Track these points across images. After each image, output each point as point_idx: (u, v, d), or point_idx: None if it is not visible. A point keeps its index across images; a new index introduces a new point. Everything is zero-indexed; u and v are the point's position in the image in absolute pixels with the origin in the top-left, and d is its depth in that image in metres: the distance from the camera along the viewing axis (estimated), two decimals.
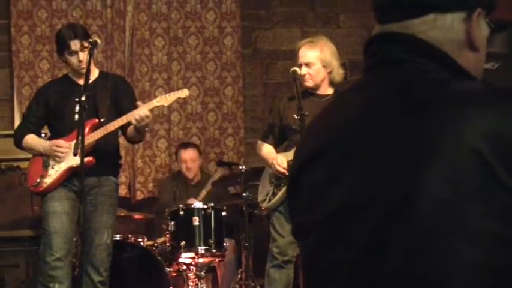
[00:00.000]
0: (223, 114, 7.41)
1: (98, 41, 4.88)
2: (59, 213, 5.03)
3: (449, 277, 1.25)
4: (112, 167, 5.28)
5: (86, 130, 4.92)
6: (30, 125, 5.27)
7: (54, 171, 5.09)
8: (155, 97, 7.17)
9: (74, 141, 4.70)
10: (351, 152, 1.40)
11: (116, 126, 5.04)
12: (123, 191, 7.21)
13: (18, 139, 5.28)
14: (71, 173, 5.03)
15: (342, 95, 1.59)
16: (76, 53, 5.06)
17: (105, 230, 5.08)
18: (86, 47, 5.02)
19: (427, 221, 1.26)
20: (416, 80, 1.39)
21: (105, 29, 7.26)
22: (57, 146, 5.05)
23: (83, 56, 5.04)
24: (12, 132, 6.40)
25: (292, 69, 4.96)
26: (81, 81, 5.00)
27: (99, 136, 5.02)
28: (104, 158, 5.10)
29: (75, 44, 5.05)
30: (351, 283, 1.37)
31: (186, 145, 7.00)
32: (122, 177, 7.20)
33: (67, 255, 5.00)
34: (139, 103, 5.09)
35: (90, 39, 4.89)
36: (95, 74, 5.21)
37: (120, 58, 7.29)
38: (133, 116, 4.91)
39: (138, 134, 5.12)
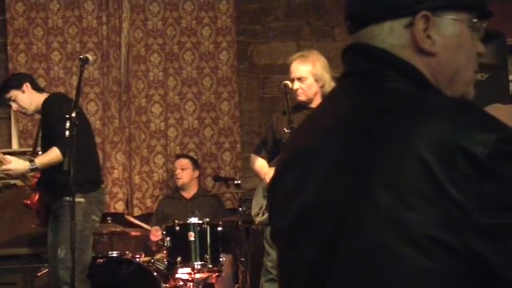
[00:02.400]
0: (219, 129, 7.42)
1: (90, 57, 4.92)
2: (49, 244, 5.50)
3: (396, 284, 1.28)
4: (63, 189, 5.08)
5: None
6: None
7: None
8: (151, 113, 7.26)
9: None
10: (314, 162, 1.44)
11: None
12: (120, 207, 7.22)
13: None
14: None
15: (318, 106, 1.63)
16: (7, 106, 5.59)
17: (58, 247, 5.25)
18: (10, 98, 5.45)
19: (374, 229, 1.30)
20: (374, 91, 1.43)
21: (101, 46, 7.28)
22: None
23: (15, 106, 5.51)
24: (10, 150, 6.47)
25: (283, 83, 4.98)
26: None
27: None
28: (51, 184, 5.37)
29: (1, 105, 5.66)
30: (307, 284, 1.42)
31: (180, 155, 7.12)
32: (120, 194, 7.22)
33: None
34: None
35: (81, 56, 4.92)
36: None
37: (116, 74, 7.30)
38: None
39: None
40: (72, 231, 4.61)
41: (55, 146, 5.09)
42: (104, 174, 7.01)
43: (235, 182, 6.34)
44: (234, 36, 7.44)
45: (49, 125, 5.32)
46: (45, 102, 5.46)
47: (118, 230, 6.37)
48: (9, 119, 7.24)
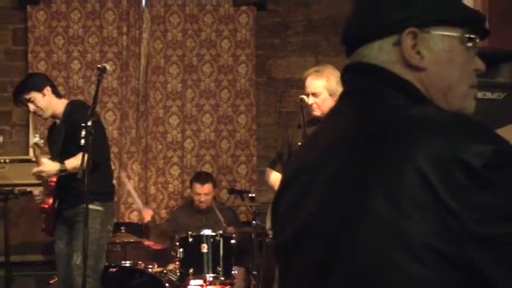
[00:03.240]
0: (236, 142, 7.43)
1: (107, 67, 4.93)
2: (58, 255, 5.54)
3: None
4: (79, 197, 5.01)
5: None
6: None
7: None
8: (169, 124, 7.28)
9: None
10: (315, 178, 1.46)
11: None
12: (135, 217, 7.24)
13: None
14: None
15: (321, 123, 1.64)
16: (26, 106, 5.47)
17: (74, 253, 5.21)
18: (29, 100, 5.39)
19: (372, 240, 1.32)
20: (372, 108, 1.45)
21: (120, 56, 7.32)
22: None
23: (32, 107, 5.44)
24: (26, 157, 6.51)
25: (299, 97, 4.98)
26: (56, 122, 5.59)
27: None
28: (68, 191, 5.35)
29: (18, 104, 5.56)
30: None
31: (202, 181, 6.85)
32: (135, 204, 7.24)
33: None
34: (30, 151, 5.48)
35: (99, 66, 4.93)
36: (61, 112, 5.51)
37: (134, 85, 7.34)
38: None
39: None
40: (85, 238, 4.62)
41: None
42: (120, 184, 7.03)
43: (250, 195, 6.33)
44: (253, 50, 7.47)
45: (76, 131, 5.31)
46: (71, 109, 5.46)
47: (132, 240, 6.38)
48: (28, 126, 7.29)
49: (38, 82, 5.49)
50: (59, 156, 5.32)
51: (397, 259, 1.29)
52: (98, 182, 5.26)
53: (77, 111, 5.33)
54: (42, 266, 6.74)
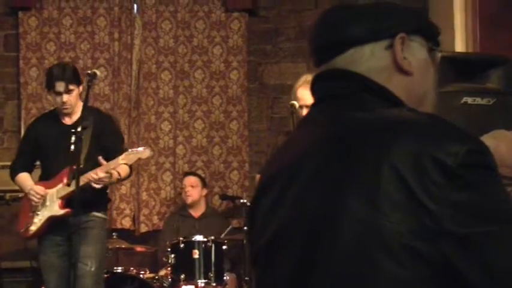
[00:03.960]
0: (228, 148, 7.43)
1: (98, 73, 4.89)
2: (55, 267, 5.13)
3: None
4: (97, 205, 5.21)
5: (65, 178, 5.01)
6: (23, 161, 5.34)
7: (39, 220, 5.12)
8: (161, 130, 7.28)
9: (53, 190, 4.97)
10: (291, 181, 1.47)
11: (82, 183, 4.87)
12: (127, 223, 7.24)
13: (12, 175, 5.35)
14: (54, 222, 5.06)
15: (294, 129, 1.65)
16: (60, 94, 5.07)
17: (88, 260, 5.05)
18: (71, 90, 5.08)
19: (350, 240, 1.33)
20: (351, 113, 1.46)
21: (112, 62, 7.32)
22: (33, 191, 5.09)
23: (67, 98, 5.08)
24: None
25: (290, 103, 4.97)
26: (66, 120, 5.18)
27: (72, 189, 4.89)
28: (83, 198, 4.95)
29: (60, 86, 5.07)
30: None
31: (188, 173, 7.13)
32: (127, 210, 7.24)
33: None
34: (100, 159, 5.00)
35: (89, 72, 4.91)
36: (78, 113, 5.11)
37: (126, 91, 7.34)
38: (89, 177, 4.93)
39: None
40: (76, 247, 4.62)
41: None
42: (112, 190, 7.03)
43: (242, 201, 6.32)
44: (245, 56, 7.47)
45: (114, 136, 5.30)
46: (107, 117, 5.41)
47: (123, 246, 6.38)
48: (19, 132, 7.27)
49: (78, 77, 5.25)
50: (84, 161, 4.99)
51: (374, 258, 1.30)
52: (104, 190, 5.28)
53: (113, 121, 5.39)
54: (33, 272, 6.71)
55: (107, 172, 4.94)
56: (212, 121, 7.44)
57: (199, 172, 7.30)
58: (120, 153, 5.03)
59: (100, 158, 5.00)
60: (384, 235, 1.29)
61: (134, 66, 7.40)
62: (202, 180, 7.07)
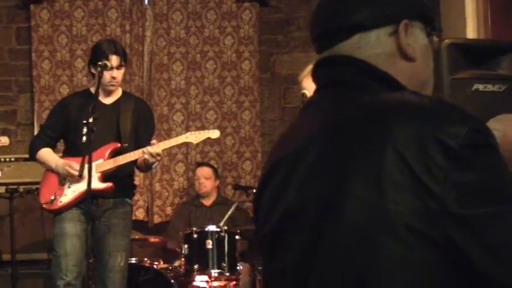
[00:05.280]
0: (240, 138, 7.44)
1: (108, 64, 4.91)
2: (70, 235, 4.96)
3: (375, 272, 1.31)
4: (127, 189, 5.23)
5: (107, 153, 5.00)
6: (47, 137, 5.21)
7: (71, 191, 5.02)
8: (173, 121, 7.29)
9: (94, 163, 4.80)
10: (295, 167, 1.48)
11: (129, 159, 5.00)
12: (141, 214, 7.27)
13: (32, 150, 5.21)
14: (85, 196, 4.90)
15: (297, 116, 1.64)
16: (112, 68, 5.00)
17: (118, 253, 5.01)
18: (122, 66, 5.06)
19: (355, 223, 1.34)
20: (354, 97, 1.46)
21: None
22: (69, 167, 4.97)
23: (117, 73, 5.05)
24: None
25: (301, 92, 4.95)
26: (104, 100, 5.09)
27: (117, 164, 5.00)
28: (119, 180, 5.05)
29: (114, 59, 5.01)
30: (292, 286, 1.45)
31: (202, 164, 7.14)
32: (140, 201, 7.27)
33: (77, 278, 4.94)
34: (154, 141, 5.05)
35: (100, 63, 4.91)
36: (118, 93, 5.21)
37: (138, 83, 7.36)
38: (147, 151, 4.91)
39: (145, 167, 5.15)
40: (88, 237, 4.62)
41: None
42: None
43: (255, 191, 6.33)
44: (256, 46, 7.47)
45: (150, 125, 5.35)
46: (145, 103, 5.49)
47: (137, 237, 6.40)
48: (32, 125, 7.31)
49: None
50: (127, 140, 5.08)
51: (379, 240, 1.30)
52: (132, 176, 5.32)
53: (151, 111, 5.56)
54: (48, 264, 6.71)
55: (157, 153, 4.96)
56: (224, 111, 7.44)
57: (212, 163, 7.32)
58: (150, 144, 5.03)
59: (154, 140, 5.07)
60: (388, 217, 1.30)
61: (146, 58, 7.42)
62: (215, 171, 7.10)
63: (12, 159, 6.70)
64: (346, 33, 1.52)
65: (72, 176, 4.99)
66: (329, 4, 1.58)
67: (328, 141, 1.43)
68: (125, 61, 5.12)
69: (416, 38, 1.52)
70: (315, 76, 1.58)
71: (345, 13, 1.54)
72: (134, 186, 5.47)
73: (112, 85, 5.10)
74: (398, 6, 1.52)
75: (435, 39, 1.57)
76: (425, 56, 1.54)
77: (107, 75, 5.01)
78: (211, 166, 7.13)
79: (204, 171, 6.98)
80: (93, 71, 5.11)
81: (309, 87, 5.02)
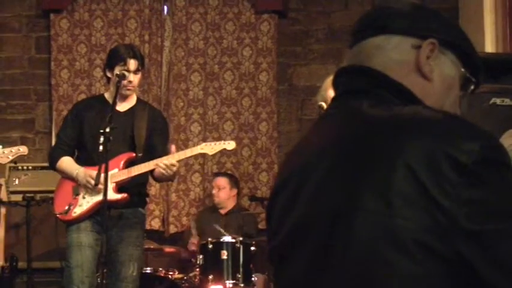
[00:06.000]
0: (257, 149, 7.44)
1: (126, 74, 4.92)
2: (83, 245, 4.95)
3: (383, 286, 1.31)
4: (140, 198, 5.21)
5: (122, 163, 4.98)
6: (66, 146, 5.16)
7: (86, 202, 5.00)
8: (190, 131, 7.30)
9: (109, 173, 4.72)
10: (307, 179, 1.48)
11: (144, 170, 4.99)
12: (156, 224, 7.28)
13: (53, 160, 5.16)
14: (100, 207, 4.83)
15: (312, 126, 1.64)
16: (129, 72, 4.98)
17: (130, 263, 4.99)
18: (139, 71, 5.04)
19: (363, 236, 1.33)
20: (363, 108, 1.46)
21: None
22: (90, 177, 4.91)
23: (134, 78, 5.02)
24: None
25: (318, 103, 4.94)
26: (118, 107, 5.03)
27: (132, 175, 4.98)
28: (132, 190, 5.04)
29: (132, 63, 4.99)
30: None
31: (217, 173, 7.16)
32: (156, 211, 7.28)
33: None
34: (172, 147, 5.09)
35: (117, 72, 4.92)
36: (132, 100, 5.19)
37: (156, 92, 7.39)
38: (161, 163, 4.89)
39: (164, 178, 5.15)
40: (103, 245, 4.62)
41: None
42: None
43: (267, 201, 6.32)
44: (274, 58, 7.48)
45: (164, 135, 5.32)
46: (159, 112, 5.49)
47: (152, 246, 6.42)
48: (50, 134, 7.35)
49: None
50: (141, 149, 5.06)
51: (387, 255, 1.30)
52: (145, 185, 5.31)
53: (165, 120, 5.57)
54: (63, 273, 6.76)
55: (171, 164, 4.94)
56: (241, 122, 7.45)
57: None
58: (165, 154, 5.03)
59: (173, 146, 5.10)
60: (397, 232, 1.30)
61: (164, 68, 7.46)
62: (232, 180, 7.05)
63: (30, 167, 6.74)
64: (372, 32, 1.54)
65: (88, 185, 4.97)
66: (373, 10, 1.62)
67: (340, 155, 1.43)
68: (142, 66, 5.10)
69: (442, 64, 1.52)
70: (334, 85, 1.59)
71: (379, 14, 1.57)
72: (147, 196, 5.46)
73: (128, 89, 5.07)
74: (433, 26, 1.52)
75: (471, 87, 1.57)
76: (446, 87, 1.53)
77: (123, 78, 4.98)
78: (227, 175, 7.11)
79: (219, 182, 6.97)
80: (108, 75, 5.10)
81: (330, 98, 5.02)
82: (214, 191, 6.95)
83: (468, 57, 1.55)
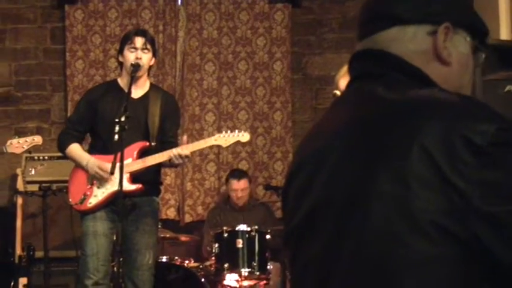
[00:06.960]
0: (272, 138, 7.46)
1: (141, 64, 4.94)
2: (98, 234, 5.00)
3: (401, 269, 1.32)
4: (154, 187, 5.24)
5: (136, 152, 5.01)
6: (76, 131, 5.17)
7: (101, 192, 5.03)
8: (205, 121, 7.32)
9: (119, 164, 4.69)
10: (322, 162, 1.48)
11: (158, 161, 4.99)
12: (172, 213, 7.31)
13: (62, 145, 5.17)
14: (116, 197, 4.89)
15: (327, 110, 1.65)
16: (136, 49, 4.99)
17: (146, 251, 5.03)
18: (147, 49, 5.03)
19: (380, 218, 1.34)
20: (383, 91, 1.46)
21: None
22: (100, 169, 4.96)
23: (141, 54, 5.00)
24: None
25: (333, 92, 4.96)
26: (132, 94, 5.00)
27: (146, 165, 4.99)
28: (146, 179, 5.07)
29: (138, 41, 5.01)
30: (315, 279, 1.46)
31: (238, 176, 6.93)
32: (171, 200, 7.31)
33: (105, 277, 4.99)
34: (184, 137, 5.12)
35: (132, 63, 4.94)
36: (146, 86, 5.19)
37: (171, 82, 7.41)
38: (175, 153, 4.90)
39: (169, 165, 5.16)
40: (119, 234, 4.65)
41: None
42: None
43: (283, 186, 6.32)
44: (288, 47, 7.49)
45: (176, 120, 5.33)
46: (172, 98, 5.49)
47: (168, 235, 6.44)
48: (66, 124, 7.37)
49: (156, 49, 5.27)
50: (155, 138, 5.08)
51: (404, 237, 1.31)
52: (159, 172, 5.33)
53: (178, 106, 5.54)
54: (79, 261, 6.80)
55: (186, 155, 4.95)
56: (256, 112, 7.47)
57: (243, 163, 7.34)
58: (173, 138, 5.10)
59: (185, 136, 5.13)
60: (413, 213, 1.30)
61: (178, 58, 7.47)
62: (249, 177, 7.03)
63: (46, 157, 6.77)
64: (385, 24, 1.53)
65: (104, 177, 5.00)
66: None
67: (355, 137, 1.44)
68: (151, 45, 5.08)
69: (457, 44, 1.51)
70: (350, 68, 1.58)
71: (388, 2, 1.55)
72: (161, 184, 5.49)
73: (136, 63, 4.99)
74: (444, 8, 1.51)
75: (482, 55, 1.56)
76: (463, 65, 1.53)
77: (131, 55, 5.01)
78: (245, 175, 7.01)
79: (241, 185, 6.86)
80: (120, 59, 5.13)
81: (344, 87, 5.03)
82: (237, 194, 6.86)
83: (475, 27, 1.55)
